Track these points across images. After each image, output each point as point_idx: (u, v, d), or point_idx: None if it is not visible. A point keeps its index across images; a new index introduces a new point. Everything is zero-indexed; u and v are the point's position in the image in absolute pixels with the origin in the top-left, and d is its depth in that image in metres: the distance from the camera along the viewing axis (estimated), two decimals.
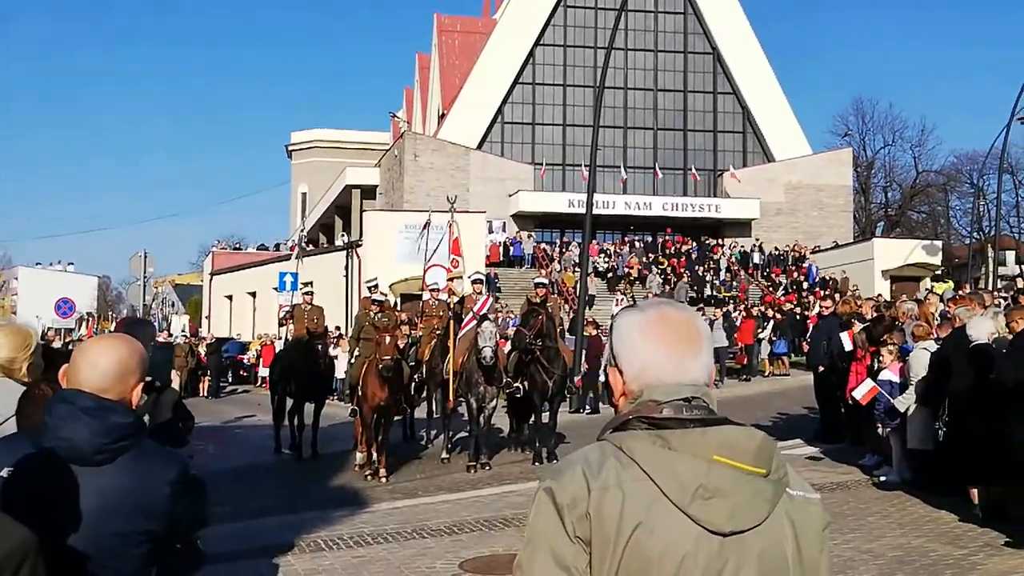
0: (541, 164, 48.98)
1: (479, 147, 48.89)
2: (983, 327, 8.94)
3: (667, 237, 44.87)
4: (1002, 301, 14.78)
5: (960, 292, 18.07)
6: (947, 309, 12.65)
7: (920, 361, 10.04)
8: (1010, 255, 69.63)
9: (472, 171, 46.74)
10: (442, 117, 53.26)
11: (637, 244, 43.73)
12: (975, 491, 8.66)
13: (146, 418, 3.01)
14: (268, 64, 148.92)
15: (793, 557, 1.83)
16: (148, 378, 2.85)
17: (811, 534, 1.88)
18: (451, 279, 15.03)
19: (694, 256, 42.40)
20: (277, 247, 54.68)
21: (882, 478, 10.63)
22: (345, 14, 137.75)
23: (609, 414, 2.25)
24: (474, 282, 14.86)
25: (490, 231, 41.57)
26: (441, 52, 56.35)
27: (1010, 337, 8.47)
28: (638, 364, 1.92)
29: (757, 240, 45.24)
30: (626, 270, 39.40)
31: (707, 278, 38.63)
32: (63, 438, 2.49)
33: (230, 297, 45.83)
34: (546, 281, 15.93)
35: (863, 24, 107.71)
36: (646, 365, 1.91)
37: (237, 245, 58.80)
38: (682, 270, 39.68)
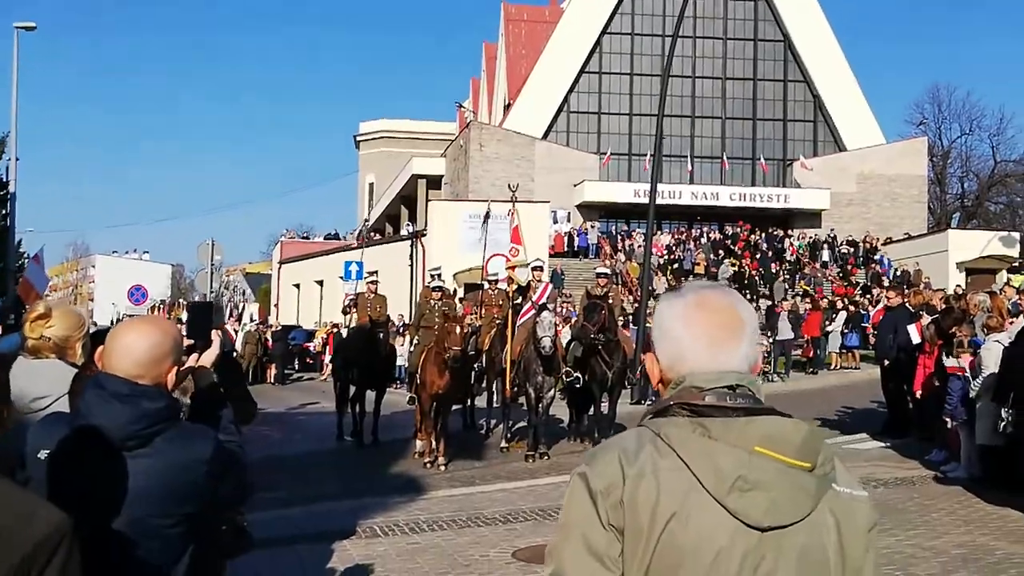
0: (606, 153, 48.70)
1: (544, 137, 48.80)
2: None
3: (739, 230, 44.06)
4: None
5: None
6: (1019, 301, 12.29)
7: (992, 354, 9.76)
8: None
9: (537, 161, 46.68)
10: (508, 107, 53.28)
11: (704, 239, 42.97)
12: None
13: (186, 399, 3.02)
14: (338, 54, 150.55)
15: (835, 556, 1.75)
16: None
17: (856, 533, 1.79)
18: (511, 267, 15.00)
19: (764, 247, 41.70)
20: (344, 236, 55.34)
21: (949, 474, 10.37)
22: (414, 4, 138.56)
23: None
24: (534, 269, 14.82)
25: (554, 221, 41.49)
26: (508, 41, 56.37)
27: None
28: (675, 351, 1.85)
29: (832, 231, 44.38)
30: (693, 265, 38.96)
31: (779, 273, 37.94)
32: (94, 423, 2.52)
33: (297, 286, 46.51)
34: (608, 271, 15.86)
35: (940, 9, 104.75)
36: (684, 352, 1.84)
37: (305, 235, 59.69)
38: (754, 270, 38.78)
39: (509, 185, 16.87)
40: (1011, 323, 10.56)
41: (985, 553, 7.58)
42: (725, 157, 50.01)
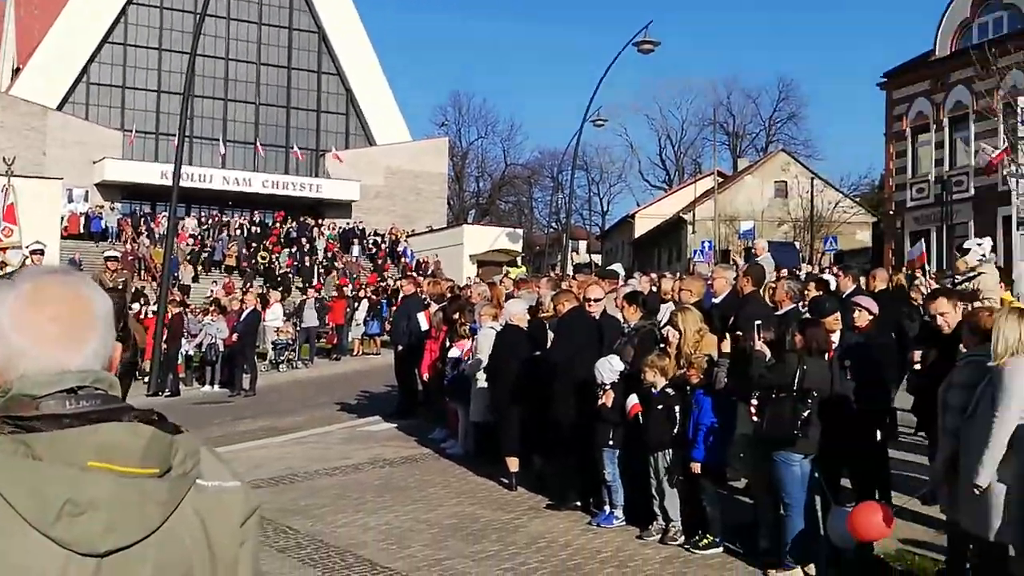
0: (131, 130, 45.85)
1: (60, 108, 44.70)
2: (517, 307, 9.85)
3: (273, 220, 43.62)
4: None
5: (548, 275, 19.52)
6: (514, 292, 13.65)
7: (487, 339, 10.64)
8: (582, 244, 76.91)
9: (50, 133, 42.67)
10: (16, 71, 47.94)
11: (239, 230, 41.44)
12: (514, 460, 9.40)
13: None
14: None
15: (202, 559, 1.55)
16: None
17: (227, 527, 1.60)
18: (2, 249, 13.51)
19: (295, 236, 41.86)
20: None
21: (448, 451, 11.22)
22: None
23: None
24: (33, 252, 13.51)
25: (70, 200, 38.21)
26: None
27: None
28: (4, 353, 1.54)
29: (359, 222, 45.80)
30: (224, 256, 38.00)
31: (305, 261, 38.29)
32: None
33: None
34: (117, 254, 14.91)
35: (455, 20, 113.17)
36: (14, 353, 1.53)
37: None
38: (289, 267, 38.47)
39: (4, 158, 15.18)
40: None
41: (472, 521, 8.32)
42: (259, 143, 49.56)
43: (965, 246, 8.03)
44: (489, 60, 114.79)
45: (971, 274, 7.52)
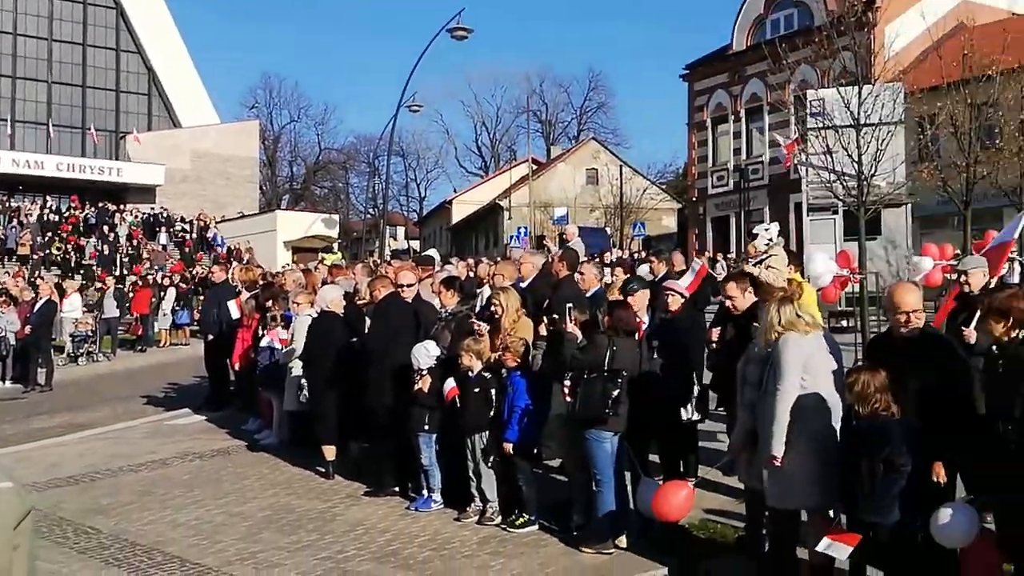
0: None
1: None
2: (332, 293, 9.85)
3: (70, 206, 41.01)
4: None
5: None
6: (329, 278, 13.44)
7: (303, 326, 10.36)
8: (400, 230, 76.68)
9: None
10: None
11: (33, 218, 38.63)
12: (330, 448, 9.28)
13: None
14: None
15: None
16: None
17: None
18: None
19: (94, 223, 39.52)
20: None
21: (262, 441, 10.93)
22: None
23: None
24: None
25: None
26: None
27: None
28: None
29: (163, 208, 43.77)
30: (17, 245, 35.47)
31: (105, 250, 36.24)
32: None
33: None
34: None
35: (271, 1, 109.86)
36: None
37: None
38: (93, 258, 36.21)
39: None
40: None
41: (287, 512, 8.14)
42: (51, 124, 46.55)
43: (754, 231, 8.51)
44: (302, 42, 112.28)
45: (762, 257, 7.97)
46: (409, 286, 8.94)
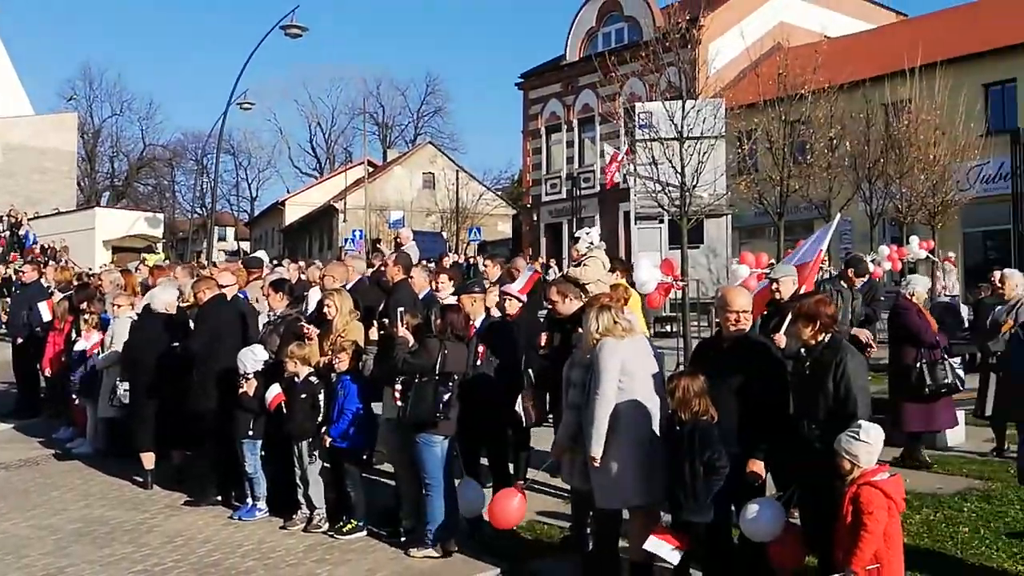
0: None
1: None
2: (166, 295, 9.36)
3: None
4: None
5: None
6: (150, 280, 12.93)
7: (123, 329, 9.90)
8: (230, 231, 74.45)
9: None
10: None
11: None
12: (149, 456, 8.91)
13: None
14: None
15: None
16: None
17: None
18: None
19: None
20: None
21: (74, 450, 10.38)
22: None
23: None
24: None
25: None
26: None
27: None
28: None
29: None
30: None
31: None
32: None
33: None
34: None
35: None
36: None
37: None
38: None
39: None
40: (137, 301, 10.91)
41: (101, 524, 7.75)
42: None
43: (575, 235, 8.71)
44: (124, 32, 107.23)
45: (583, 260, 8.16)
46: (227, 287, 8.78)
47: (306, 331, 7.72)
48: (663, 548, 5.32)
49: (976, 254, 28.08)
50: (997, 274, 10.89)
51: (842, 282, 9.33)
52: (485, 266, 11.95)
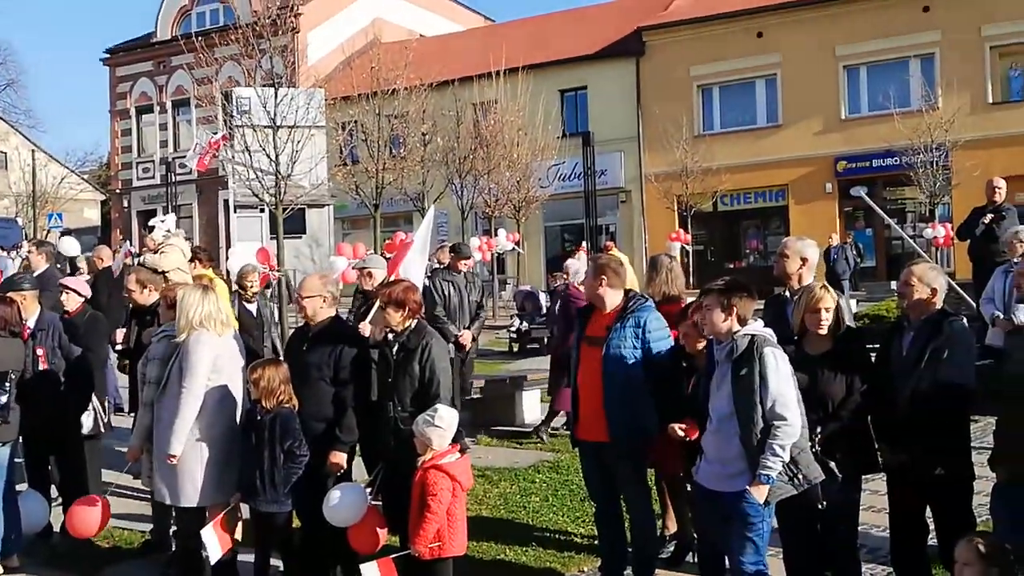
0: None
1: None
2: None
3: None
4: None
5: None
6: None
7: None
8: None
9: None
10: None
11: None
12: None
13: None
14: None
15: None
16: None
17: None
18: None
19: None
20: None
21: None
22: None
23: None
24: None
25: None
26: None
27: None
28: None
29: None
30: None
31: None
32: None
33: None
34: None
35: None
36: None
37: None
38: None
39: None
40: None
41: None
42: None
43: (150, 223, 8.34)
44: None
45: (162, 248, 7.81)
46: None
47: None
48: (212, 541, 5.30)
49: (555, 245, 30.81)
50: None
51: (451, 272, 9.39)
52: (28, 254, 10.58)
